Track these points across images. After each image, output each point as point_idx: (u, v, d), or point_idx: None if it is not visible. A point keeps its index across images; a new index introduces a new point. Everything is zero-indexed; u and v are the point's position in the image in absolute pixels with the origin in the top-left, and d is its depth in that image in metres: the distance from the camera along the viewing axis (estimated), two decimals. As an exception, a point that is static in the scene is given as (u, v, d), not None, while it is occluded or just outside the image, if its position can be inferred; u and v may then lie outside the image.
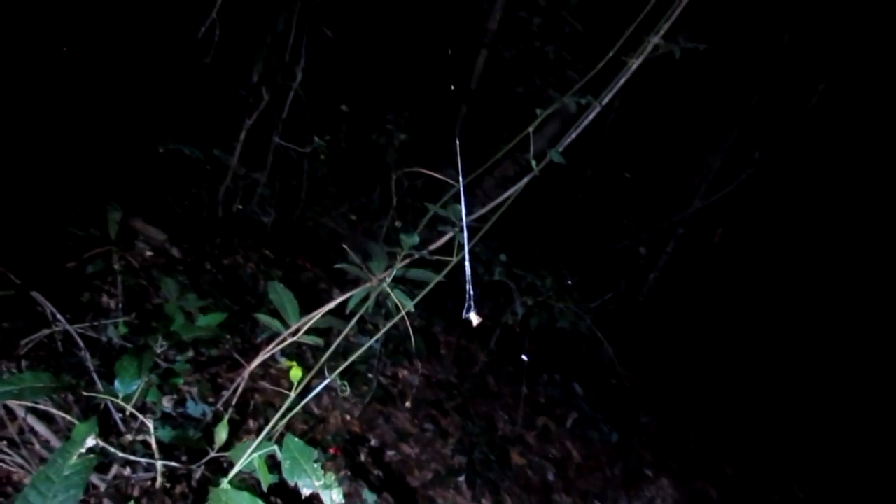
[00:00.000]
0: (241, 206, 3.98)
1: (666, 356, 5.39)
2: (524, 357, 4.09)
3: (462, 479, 3.36)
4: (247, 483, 1.17)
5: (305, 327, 1.88)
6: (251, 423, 2.25)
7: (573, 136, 1.61)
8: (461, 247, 1.42)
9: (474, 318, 1.30)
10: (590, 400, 4.49)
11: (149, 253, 3.33)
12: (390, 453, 3.35)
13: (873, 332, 5.37)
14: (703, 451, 4.58)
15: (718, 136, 5.10)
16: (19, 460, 1.94)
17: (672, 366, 5.33)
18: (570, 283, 3.55)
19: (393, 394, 3.64)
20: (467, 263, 1.30)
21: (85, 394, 1.28)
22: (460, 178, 1.29)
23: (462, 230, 1.42)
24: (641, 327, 5.32)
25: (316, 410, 3.21)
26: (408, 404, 3.31)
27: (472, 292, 1.28)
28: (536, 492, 3.64)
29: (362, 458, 3.13)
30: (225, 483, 1.01)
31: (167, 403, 2.32)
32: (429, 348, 4.11)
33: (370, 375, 3.37)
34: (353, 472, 2.90)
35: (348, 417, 3.32)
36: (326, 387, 1.41)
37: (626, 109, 5.41)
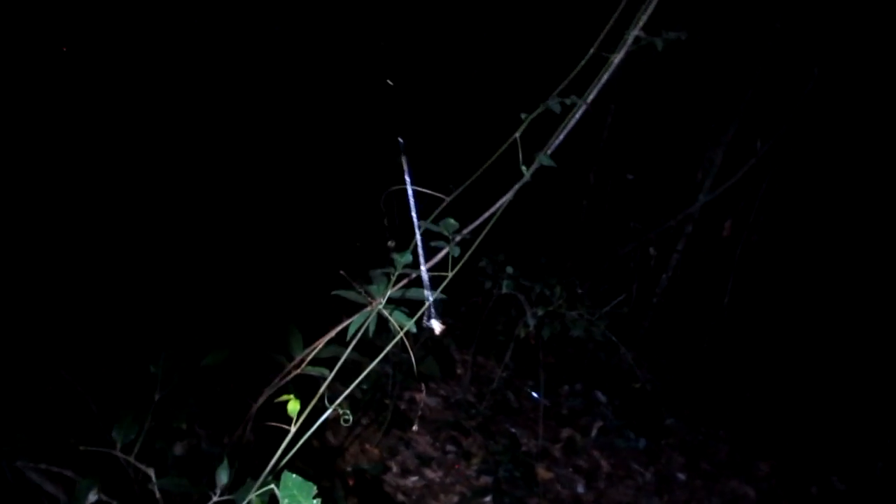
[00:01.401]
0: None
1: (687, 356, 5.29)
2: (577, 386, 4.03)
3: (489, 499, 3.29)
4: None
5: (309, 358, 1.85)
6: (267, 461, 2.20)
7: (561, 137, 1.57)
8: (456, 260, 1.39)
9: (437, 326, 1.26)
10: (613, 407, 4.41)
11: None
12: (413, 479, 3.29)
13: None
14: (736, 450, 4.47)
15: (718, 130, 5.05)
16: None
17: (694, 365, 5.23)
18: (580, 290, 3.49)
19: (411, 418, 3.58)
20: (423, 265, 1.26)
21: (81, 448, 1.25)
22: (408, 185, 1.25)
23: (416, 236, 1.38)
24: (659, 329, 5.24)
25: (333, 441, 3.16)
26: (415, 428, 3.25)
27: (431, 298, 1.24)
28: (567, 506, 3.56)
29: (384, 486, 3.07)
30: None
31: (179, 448, 2.28)
32: (444, 368, 4.06)
33: (386, 401, 3.32)
34: (376, 499, 2.85)
35: (367, 446, 3.27)
36: (341, 417, 1.37)
37: (623, 111, 5.39)
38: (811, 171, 5.29)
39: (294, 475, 0.98)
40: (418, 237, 1.25)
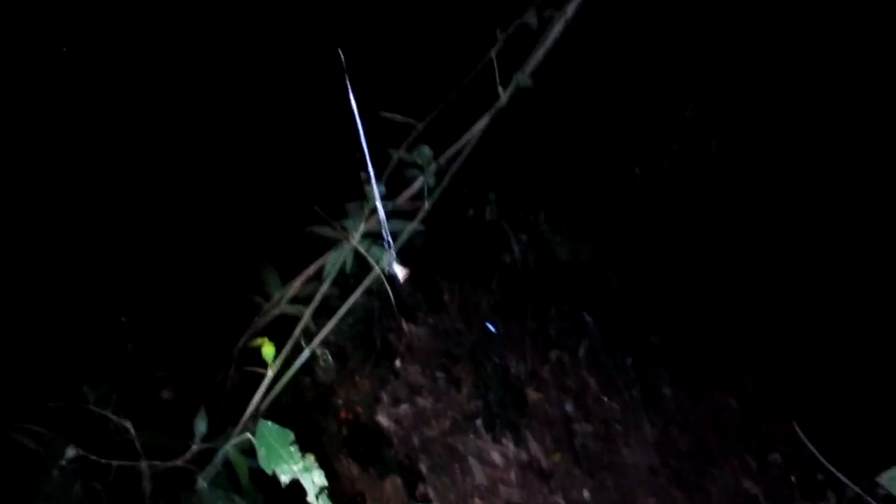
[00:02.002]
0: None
1: (673, 275, 5.33)
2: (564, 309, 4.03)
3: (479, 422, 3.35)
4: (230, 475, 1.11)
5: (287, 297, 1.80)
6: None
7: (540, 55, 1.48)
8: (430, 191, 1.32)
9: (400, 273, 1.21)
10: (601, 328, 4.46)
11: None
12: (404, 407, 3.33)
13: (879, 230, 5.26)
14: (720, 364, 4.57)
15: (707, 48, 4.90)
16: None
17: (680, 284, 5.27)
18: (564, 214, 3.45)
19: (400, 350, 3.60)
20: (380, 206, 1.19)
21: (51, 405, 1.21)
22: (352, 101, 1.17)
23: (367, 165, 1.31)
24: (644, 249, 5.24)
25: (323, 377, 3.18)
26: (398, 362, 3.26)
27: (391, 242, 1.18)
28: (556, 424, 3.64)
29: (376, 416, 3.11)
30: (201, 482, 0.94)
31: (166, 393, 2.27)
32: (431, 299, 4.05)
33: (374, 335, 3.32)
34: (368, 430, 2.89)
35: (357, 379, 3.29)
36: (331, 353, 1.32)
37: (607, 29, 5.20)
38: (799, 88, 5.17)
39: (271, 423, 0.95)
40: (369, 163, 1.18)
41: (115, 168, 3.27)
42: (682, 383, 4.29)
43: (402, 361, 3.56)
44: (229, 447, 0.98)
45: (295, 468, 0.86)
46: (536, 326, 4.29)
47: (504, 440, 3.37)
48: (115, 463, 1.22)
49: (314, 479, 0.84)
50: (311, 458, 0.88)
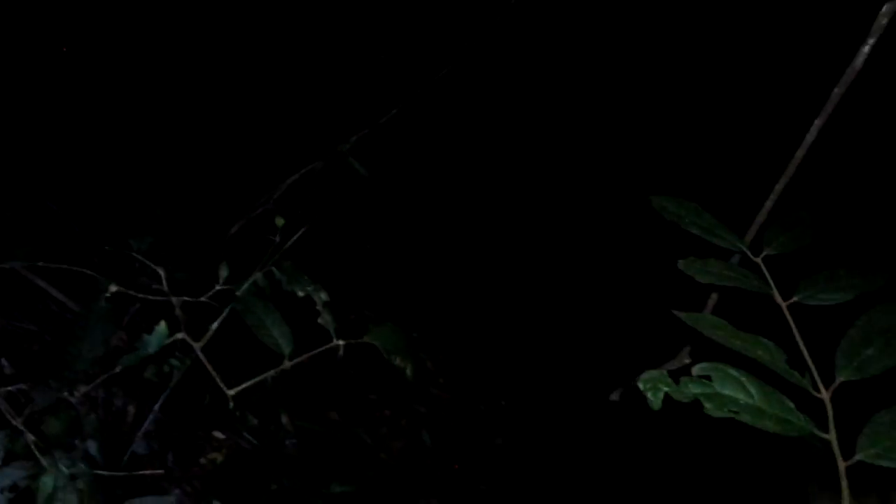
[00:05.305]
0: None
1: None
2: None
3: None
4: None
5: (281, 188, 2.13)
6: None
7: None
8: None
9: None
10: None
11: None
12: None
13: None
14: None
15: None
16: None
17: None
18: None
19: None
20: None
21: (106, 248, 1.54)
22: None
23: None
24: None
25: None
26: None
27: None
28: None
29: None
30: (239, 294, 1.29)
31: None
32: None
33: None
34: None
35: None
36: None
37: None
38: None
39: (288, 263, 1.30)
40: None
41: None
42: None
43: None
44: (259, 274, 1.34)
45: (308, 289, 1.23)
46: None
47: None
48: (150, 297, 1.56)
49: (321, 296, 1.21)
50: (318, 284, 1.24)
